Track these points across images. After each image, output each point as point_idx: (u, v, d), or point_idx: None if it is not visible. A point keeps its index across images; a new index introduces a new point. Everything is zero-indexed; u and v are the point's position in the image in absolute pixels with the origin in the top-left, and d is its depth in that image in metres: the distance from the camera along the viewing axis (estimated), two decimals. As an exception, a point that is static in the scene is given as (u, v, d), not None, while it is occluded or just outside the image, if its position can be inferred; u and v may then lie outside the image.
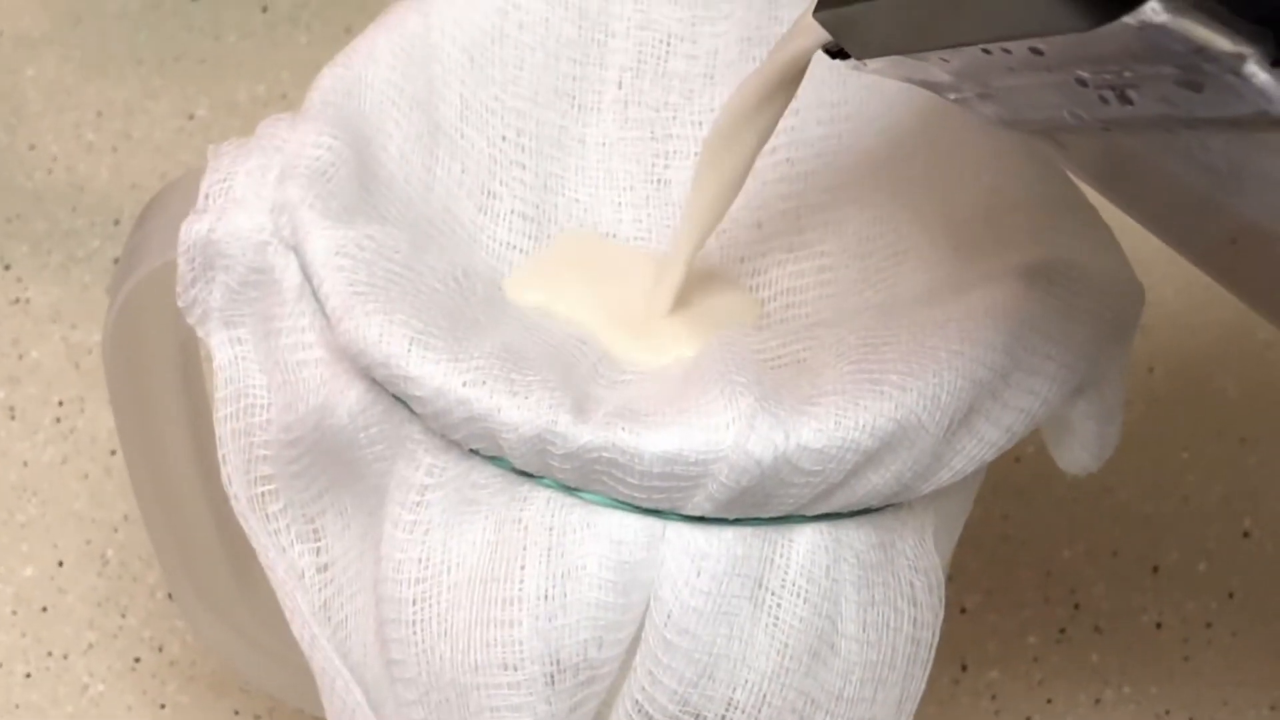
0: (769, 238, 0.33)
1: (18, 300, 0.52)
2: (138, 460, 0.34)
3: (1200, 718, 0.45)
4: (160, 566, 0.36)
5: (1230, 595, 0.48)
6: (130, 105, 0.58)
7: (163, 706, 0.44)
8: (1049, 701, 0.45)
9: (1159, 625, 0.47)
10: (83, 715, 0.44)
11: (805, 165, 0.33)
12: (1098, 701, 0.46)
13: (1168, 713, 0.45)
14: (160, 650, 0.45)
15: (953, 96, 0.24)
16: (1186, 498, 0.50)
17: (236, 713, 0.44)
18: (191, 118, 0.58)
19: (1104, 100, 0.21)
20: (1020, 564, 0.48)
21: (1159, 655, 0.46)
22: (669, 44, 0.34)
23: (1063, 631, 0.47)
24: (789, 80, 0.29)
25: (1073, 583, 0.48)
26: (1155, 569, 0.48)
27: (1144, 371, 0.52)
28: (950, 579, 0.47)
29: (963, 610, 0.47)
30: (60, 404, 0.50)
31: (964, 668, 0.46)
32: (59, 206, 0.55)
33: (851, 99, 0.33)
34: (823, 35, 0.26)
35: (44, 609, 0.46)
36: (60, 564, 0.46)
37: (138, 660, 0.45)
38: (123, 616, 0.46)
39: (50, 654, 0.45)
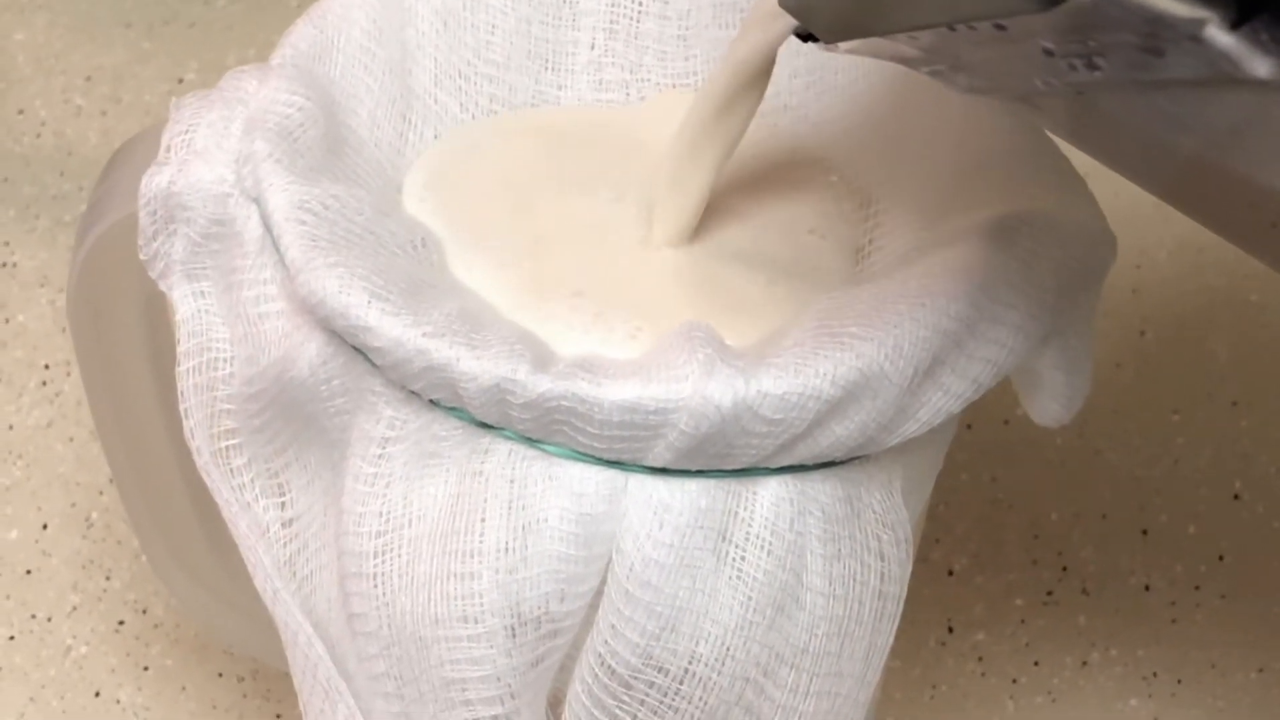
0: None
1: (5, 264, 0.52)
2: (105, 415, 0.34)
3: (1187, 680, 0.45)
4: (132, 525, 0.36)
5: (1220, 558, 0.47)
6: (119, 69, 0.58)
7: (146, 669, 0.44)
8: (1035, 664, 0.45)
9: (1147, 588, 0.47)
10: (66, 677, 0.44)
11: (780, 135, 0.33)
12: (1084, 664, 0.45)
13: (1155, 675, 0.45)
14: (144, 613, 0.45)
15: (926, 70, 0.25)
16: (1177, 460, 0.49)
17: (220, 675, 0.44)
18: (181, 82, 0.58)
19: (1072, 67, 0.22)
20: (1008, 527, 0.48)
21: (1147, 618, 0.46)
22: (641, 5, 0.34)
23: (1050, 594, 0.47)
24: (761, 71, 0.29)
25: (1061, 545, 0.47)
26: (1144, 532, 0.48)
27: (1135, 334, 0.52)
28: (937, 541, 0.48)
29: (950, 573, 0.47)
30: (46, 368, 0.50)
31: (950, 630, 0.46)
32: (47, 171, 0.55)
33: (822, 67, 0.33)
34: (790, 21, 0.26)
35: (28, 572, 0.46)
36: (45, 527, 0.46)
37: (121, 623, 0.45)
38: (107, 579, 0.46)
39: (34, 616, 0.45)
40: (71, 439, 0.48)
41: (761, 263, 0.31)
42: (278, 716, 0.43)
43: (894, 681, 0.45)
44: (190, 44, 0.59)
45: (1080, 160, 0.54)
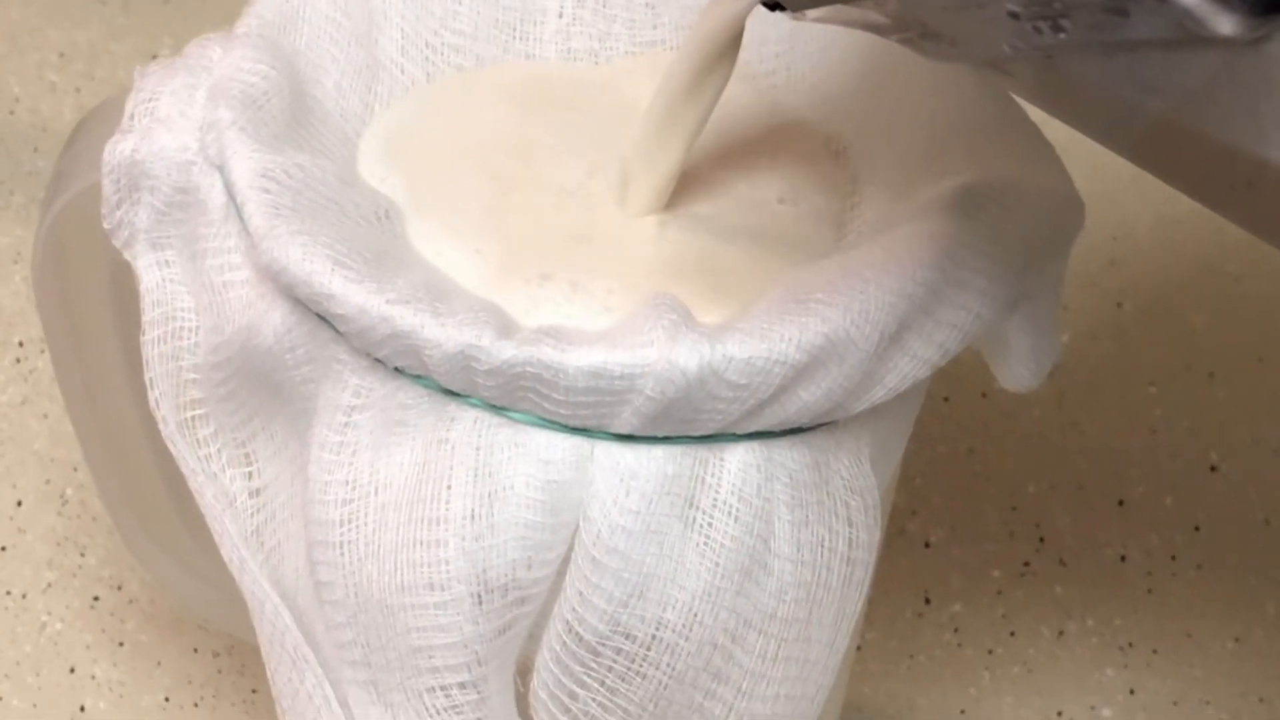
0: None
1: (-22, 241, 0.52)
2: (73, 387, 0.34)
3: (1163, 650, 0.45)
4: (102, 499, 0.36)
5: (1196, 528, 0.47)
6: (94, 46, 0.58)
7: (121, 644, 0.44)
8: (1012, 634, 0.45)
9: (1123, 558, 0.47)
10: (41, 653, 0.44)
11: (761, 100, 0.33)
12: (1061, 634, 0.45)
13: (1131, 645, 0.45)
14: (119, 589, 0.45)
15: (895, 38, 0.25)
16: (1154, 431, 0.49)
17: (195, 650, 0.44)
18: (155, 58, 0.57)
19: (1038, 30, 0.22)
20: (985, 499, 0.48)
21: (1123, 588, 0.46)
22: None
23: (1027, 565, 0.47)
24: (729, 43, 0.29)
25: (1037, 517, 0.47)
26: (1121, 503, 0.48)
27: (1113, 306, 0.52)
28: (914, 513, 0.48)
29: (927, 544, 0.47)
30: (20, 345, 0.50)
31: (927, 601, 0.46)
32: (21, 147, 0.55)
33: (793, 35, 0.33)
34: None
35: (2, 548, 0.46)
36: (19, 504, 0.46)
37: (96, 599, 0.45)
38: (82, 555, 0.46)
39: (9, 593, 0.45)
40: (46, 416, 0.48)
41: (737, 234, 0.31)
42: (253, 691, 0.43)
43: (871, 652, 0.45)
44: (165, 20, 0.59)
45: (1057, 132, 0.54)
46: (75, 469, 0.47)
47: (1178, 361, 0.51)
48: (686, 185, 0.31)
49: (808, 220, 0.31)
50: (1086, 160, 0.55)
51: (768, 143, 0.33)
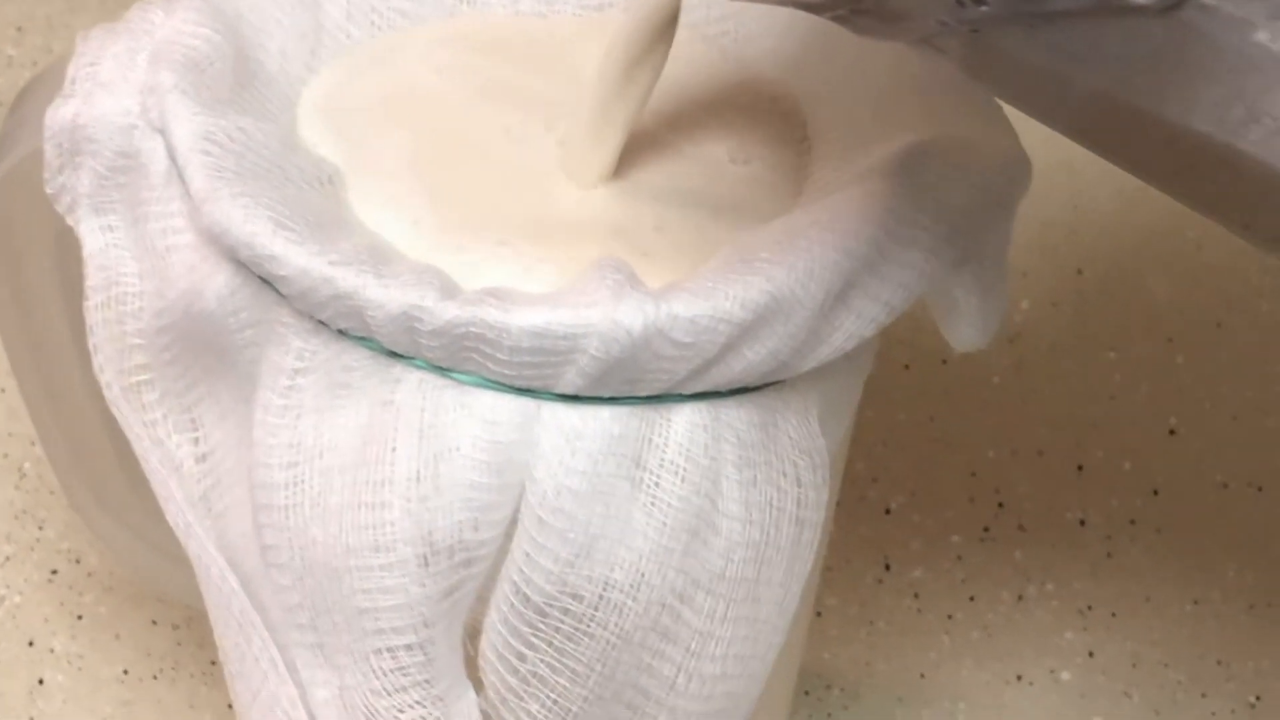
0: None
1: (-65, 216, 0.52)
2: (20, 355, 0.33)
3: (1122, 613, 0.45)
4: (53, 466, 0.36)
5: (1155, 493, 0.48)
6: (51, 20, 0.57)
7: (80, 617, 0.44)
8: (971, 599, 0.45)
9: (1083, 523, 0.47)
10: (0, 627, 0.44)
11: (715, 58, 0.33)
12: (1020, 598, 0.46)
13: (1090, 608, 0.45)
14: (78, 562, 0.45)
15: (828, 15, 0.25)
16: (1113, 397, 0.49)
17: (154, 622, 0.44)
18: (112, 31, 0.57)
19: (961, 4, 0.22)
20: (945, 465, 0.48)
21: (1082, 552, 0.46)
22: None
23: (986, 530, 0.47)
24: (667, 20, 0.29)
25: (997, 482, 0.48)
26: (1080, 468, 0.48)
27: (1073, 273, 0.52)
28: (875, 480, 0.48)
29: (887, 511, 0.47)
30: (-23, 319, 0.50)
31: (887, 567, 0.46)
32: (-22, 122, 0.55)
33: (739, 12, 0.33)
34: None
35: (-41, 523, 0.45)
36: (-24, 478, 0.46)
37: (55, 572, 0.45)
38: (40, 529, 0.46)
39: (-34, 567, 0.45)
40: (3, 390, 0.48)
41: (686, 198, 0.30)
42: (212, 663, 0.43)
43: (831, 618, 0.45)
44: (122, -7, 0.58)
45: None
46: (33, 443, 0.47)
47: (1137, 328, 0.51)
48: (636, 147, 0.31)
49: (759, 182, 0.31)
50: (1045, 128, 0.55)
51: (718, 103, 0.32)
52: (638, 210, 0.30)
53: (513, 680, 0.28)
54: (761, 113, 0.32)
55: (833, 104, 0.31)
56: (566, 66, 0.32)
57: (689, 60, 0.33)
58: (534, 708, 0.28)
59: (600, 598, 0.27)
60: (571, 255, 0.29)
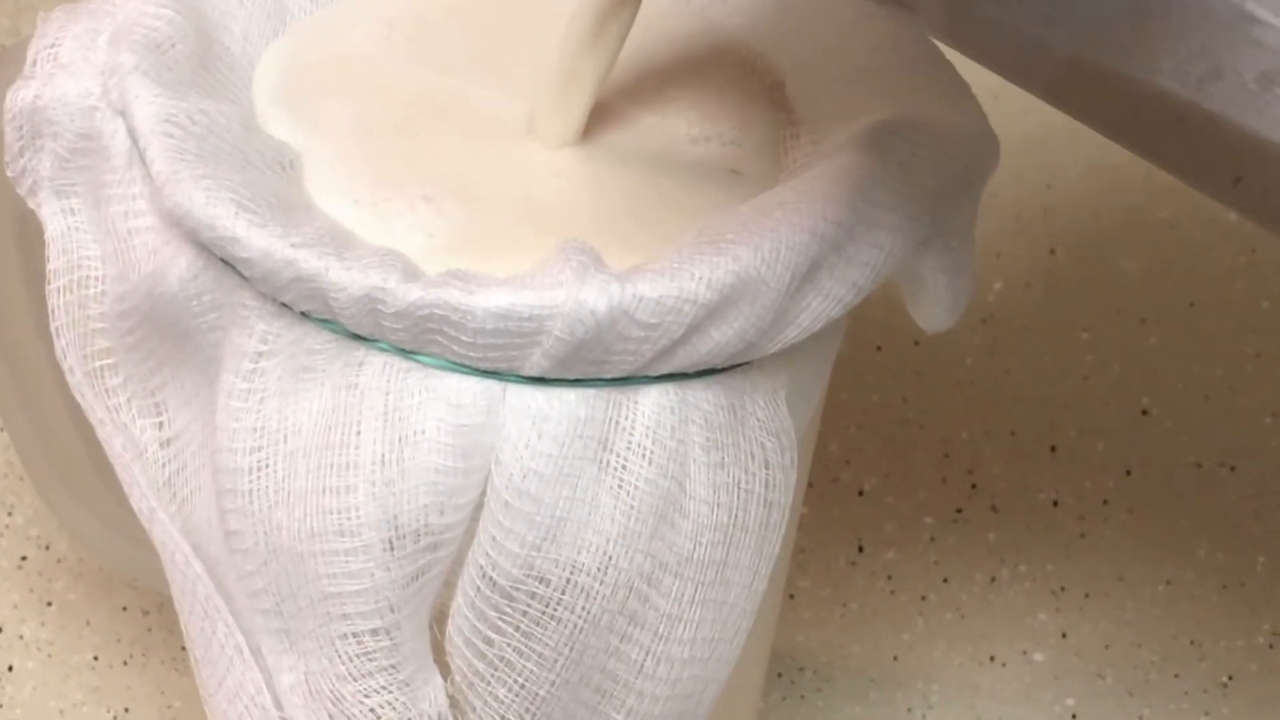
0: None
1: (-98, 201, 0.52)
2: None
3: (1095, 594, 0.45)
4: (17, 451, 0.36)
5: (1128, 473, 0.48)
6: (18, 2, 0.57)
7: (50, 604, 0.44)
8: (945, 580, 0.45)
9: (1056, 504, 0.47)
10: (-32, 614, 0.43)
11: (679, 30, 0.33)
12: (993, 579, 0.46)
13: (1063, 589, 0.45)
14: (47, 549, 0.45)
15: None
16: (1086, 378, 0.49)
17: (124, 609, 0.44)
18: (80, 14, 0.57)
19: None
20: (918, 446, 0.48)
21: (1055, 533, 0.46)
22: None
23: (959, 512, 0.47)
24: None
25: (970, 464, 0.48)
26: (1053, 449, 0.48)
27: (1045, 253, 0.52)
28: (848, 462, 0.48)
29: (860, 493, 0.47)
30: (-55, 304, 0.49)
31: (860, 549, 0.46)
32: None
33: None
34: None
35: (-73, 509, 0.45)
36: (-56, 464, 0.46)
37: (24, 559, 0.45)
38: (9, 515, 0.45)
39: (-65, 554, 0.44)
40: (-28, 376, 0.48)
41: (654, 167, 0.30)
42: (182, 649, 0.43)
43: (804, 600, 0.45)
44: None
45: (989, 79, 0.54)
46: (1, 429, 0.47)
47: (1110, 308, 0.51)
48: (609, 113, 0.31)
49: (733, 155, 0.31)
50: (1018, 108, 0.55)
51: (694, 71, 0.32)
52: (601, 175, 0.30)
53: (480, 665, 0.27)
54: (735, 83, 0.32)
55: (812, 78, 0.31)
56: (531, 26, 0.31)
57: (672, 29, 0.32)
58: (501, 692, 0.27)
59: (567, 581, 0.27)
60: (533, 224, 0.28)
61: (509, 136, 0.30)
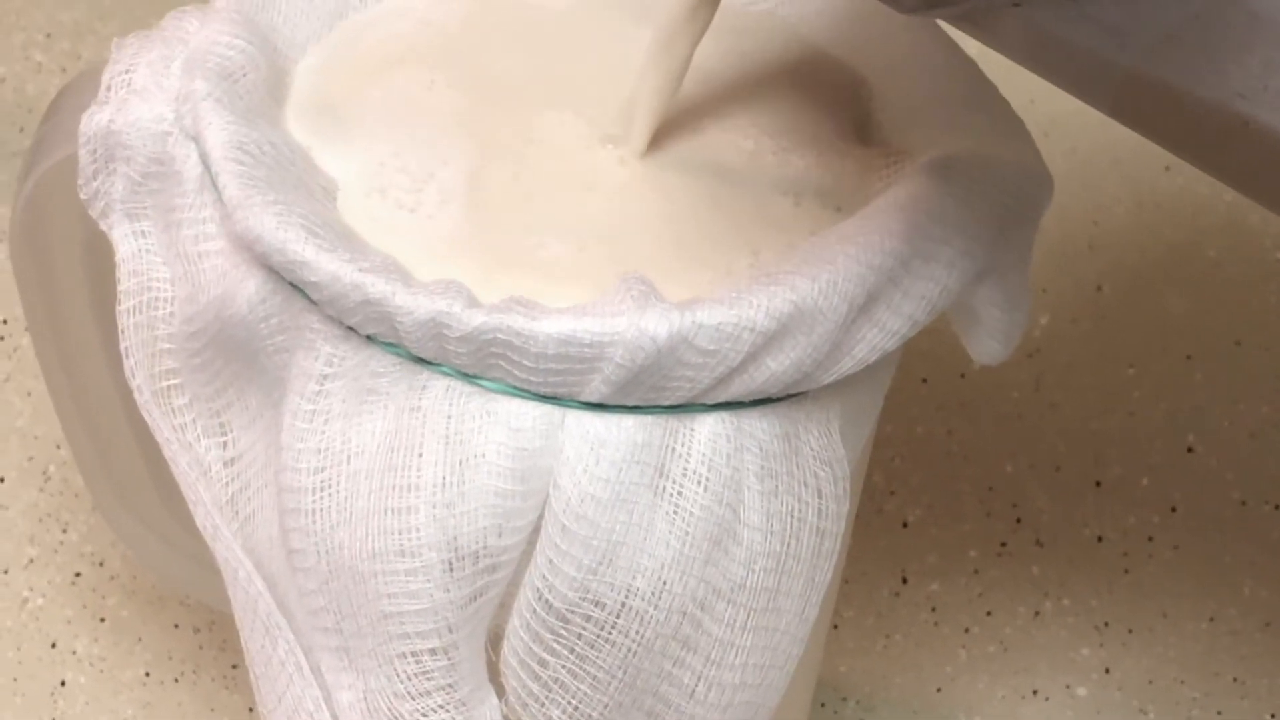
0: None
1: (-37, 220, 0.52)
2: (50, 358, 0.34)
3: (1139, 630, 0.45)
4: (80, 469, 0.36)
5: (1172, 509, 0.48)
6: (79, 26, 0.58)
7: (102, 620, 0.44)
8: (988, 614, 0.46)
9: (1100, 539, 0.47)
10: (22, 629, 0.44)
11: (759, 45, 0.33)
12: (1037, 614, 0.46)
13: (1106, 625, 0.45)
14: (101, 565, 0.45)
15: None
16: (1131, 413, 0.50)
17: (176, 626, 0.44)
18: (140, 39, 0.58)
19: None
20: (963, 478, 0.48)
21: (1099, 568, 0.47)
22: None
23: (1004, 545, 0.47)
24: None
25: (1015, 497, 0.48)
26: (1098, 484, 0.48)
27: (1092, 289, 0.52)
28: (892, 493, 0.48)
29: (904, 524, 0.47)
30: (4, 322, 0.50)
31: (904, 580, 0.46)
32: (8, 127, 0.55)
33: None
34: None
35: (-16, 524, 0.46)
36: (2, 480, 0.47)
37: (78, 575, 0.45)
38: (64, 532, 0.46)
39: (-9, 569, 0.45)
40: (30, 393, 0.49)
41: (720, 181, 0.30)
42: (233, 667, 0.43)
43: (848, 631, 0.45)
44: (151, 1, 0.59)
45: (1038, 115, 0.54)
46: (58, 446, 0.47)
47: (1156, 345, 0.51)
48: (676, 125, 0.31)
49: (800, 171, 0.30)
50: (1066, 144, 0.55)
51: (771, 82, 0.32)
52: (669, 187, 0.30)
53: (534, 686, 0.28)
54: (820, 96, 0.32)
55: (887, 99, 0.31)
56: (579, 43, 0.32)
57: (755, 38, 0.32)
58: (555, 713, 0.28)
59: (622, 605, 0.27)
60: (595, 239, 0.29)
61: (569, 150, 0.30)
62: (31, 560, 0.45)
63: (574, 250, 0.28)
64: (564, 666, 0.28)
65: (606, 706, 0.28)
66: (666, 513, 0.27)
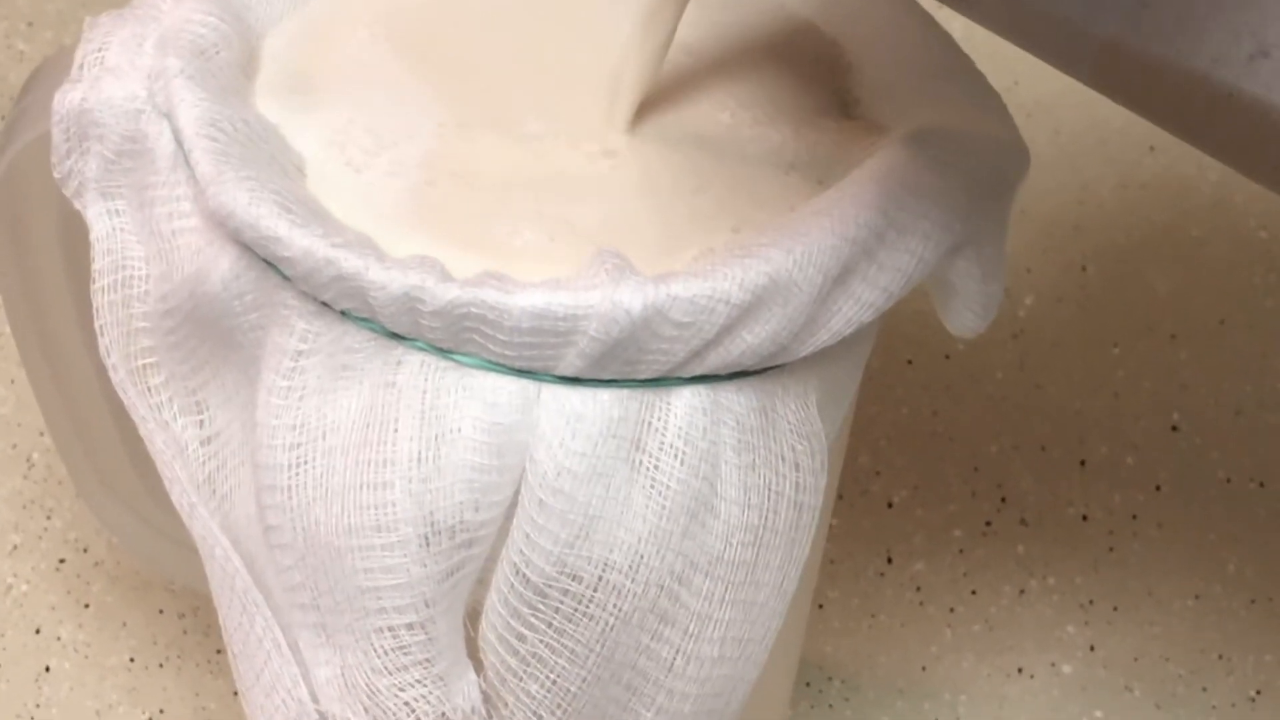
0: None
1: (-54, 209, 0.52)
2: (27, 339, 0.34)
3: (1124, 608, 0.45)
4: (59, 451, 0.36)
5: (1157, 488, 0.48)
6: (62, 14, 0.58)
7: (87, 606, 0.44)
8: (973, 593, 0.46)
9: (1085, 518, 0.47)
10: (7, 615, 0.44)
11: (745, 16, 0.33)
12: (1022, 592, 0.46)
13: (1091, 603, 0.45)
14: (85, 551, 0.45)
15: None
16: (1116, 393, 0.50)
17: (161, 611, 0.44)
18: (122, 27, 0.58)
19: None
20: (948, 459, 0.48)
21: (1084, 547, 0.47)
22: None
23: (989, 525, 0.47)
24: None
25: (1000, 477, 0.48)
26: (1083, 463, 0.48)
27: (1077, 270, 0.52)
28: (878, 474, 0.48)
29: (890, 505, 0.47)
30: (-13, 311, 0.50)
31: (890, 560, 0.46)
32: (-11, 116, 0.55)
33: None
34: None
35: (-32, 511, 0.46)
36: (-15, 467, 0.47)
37: (62, 561, 0.45)
38: (48, 519, 0.46)
39: (-25, 556, 0.45)
40: (13, 381, 0.48)
41: (706, 159, 0.30)
42: (218, 652, 0.43)
43: (833, 611, 0.45)
44: (133, -11, 0.59)
45: (1023, 96, 0.54)
46: (41, 433, 0.47)
47: (1140, 324, 0.51)
48: (661, 99, 0.31)
49: (783, 144, 0.30)
50: (1050, 125, 0.55)
51: (757, 56, 0.32)
52: (650, 162, 0.30)
53: (512, 661, 0.28)
54: (805, 71, 0.32)
55: (868, 73, 0.31)
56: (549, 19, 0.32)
57: (734, 10, 0.32)
58: (533, 688, 0.28)
59: (599, 579, 0.27)
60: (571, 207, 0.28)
61: (545, 129, 0.30)
62: (15, 547, 0.45)
63: (544, 239, 0.28)
64: (542, 641, 0.28)
65: (584, 680, 0.28)
66: (643, 486, 0.27)
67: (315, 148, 0.29)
